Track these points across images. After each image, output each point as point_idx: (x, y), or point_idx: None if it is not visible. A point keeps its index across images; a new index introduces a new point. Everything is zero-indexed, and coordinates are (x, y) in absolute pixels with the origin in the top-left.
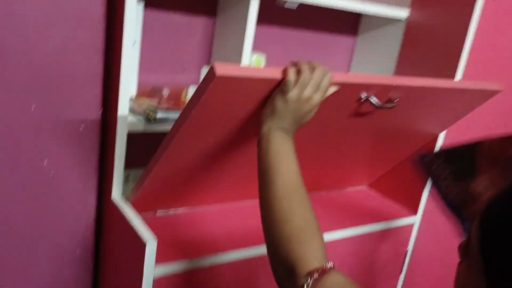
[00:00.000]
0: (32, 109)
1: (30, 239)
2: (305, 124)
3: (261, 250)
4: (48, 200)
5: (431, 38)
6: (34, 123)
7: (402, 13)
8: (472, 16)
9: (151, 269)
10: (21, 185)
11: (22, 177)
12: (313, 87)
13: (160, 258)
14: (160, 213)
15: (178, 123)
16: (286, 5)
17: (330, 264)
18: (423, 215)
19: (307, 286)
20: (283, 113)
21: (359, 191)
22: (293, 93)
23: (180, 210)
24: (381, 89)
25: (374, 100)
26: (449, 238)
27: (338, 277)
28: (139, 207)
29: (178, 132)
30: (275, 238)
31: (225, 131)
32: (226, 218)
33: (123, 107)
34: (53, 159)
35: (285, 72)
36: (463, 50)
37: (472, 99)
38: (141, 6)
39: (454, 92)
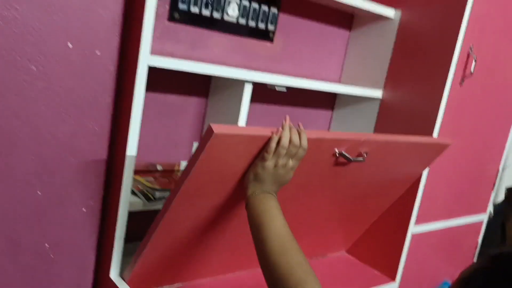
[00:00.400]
0: (38, 193)
1: None
2: (285, 184)
3: None
4: (47, 282)
5: (423, 39)
6: (38, 208)
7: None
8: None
9: None
10: (22, 269)
11: (23, 261)
12: (288, 156)
13: None
14: None
15: (176, 188)
16: (277, 89)
17: None
18: (401, 281)
19: None
20: (263, 177)
21: (339, 256)
22: (270, 162)
23: (176, 286)
24: (351, 145)
25: (346, 155)
26: None
27: None
28: (135, 285)
29: (175, 198)
30: (277, 284)
31: (220, 193)
32: None
33: (126, 193)
34: (54, 242)
35: (273, 134)
36: (455, 49)
37: (428, 152)
38: None
39: (412, 145)
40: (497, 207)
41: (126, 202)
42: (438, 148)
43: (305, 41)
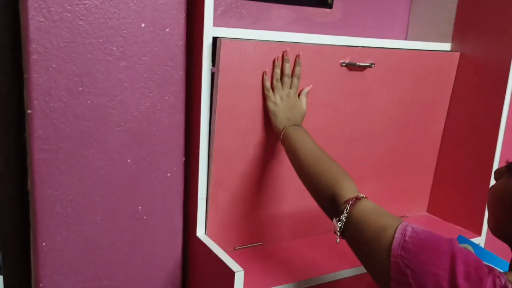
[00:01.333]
0: (128, 161)
1: (126, 279)
2: (303, 113)
3: (338, 275)
4: (142, 242)
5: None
6: (130, 174)
7: None
8: None
9: None
10: (120, 229)
11: (121, 222)
12: (287, 87)
13: (247, 287)
14: (238, 247)
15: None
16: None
17: (362, 195)
18: (487, 234)
19: (346, 209)
20: (279, 112)
21: (421, 216)
22: (274, 98)
23: (257, 244)
24: (353, 52)
25: (352, 62)
26: None
27: (369, 203)
28: (221, 242)
29: (216, 117)
30: (318, 187)
31: (255, 117)
32: (301, 249)
33: (204, 156)
34: (146, 205)
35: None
36: None
37: (439, 64)
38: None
39: (414, 54)
40: None
41: (205, 165)
42: (447, 59)
43: (365, 4)
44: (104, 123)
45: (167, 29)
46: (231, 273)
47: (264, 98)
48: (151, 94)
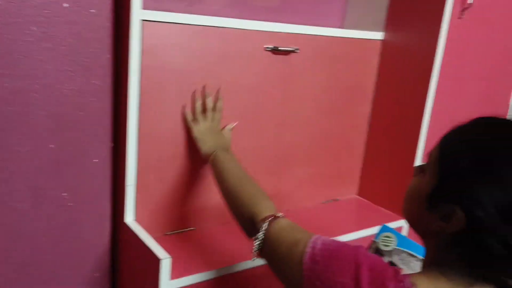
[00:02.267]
0: (51, 147)
1: (53, 266)
2: (229, 145)
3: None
4: (68, 229)
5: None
6: (54, 158)
7: None
8: None
9: (166, 285)
10: (45, 217)
11: (46, 209)
12: (209, 119)
13: (174, 273)
14: (168, 233)
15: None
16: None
17: (280, 214)
18: None
19: (264, 227)
20: (206, 139)
21: (351, 199)
22: (197, 127)
23: (189, 229)
24: (278, 38)
25: (277, 47)
26: None
27: (285, 220)
28: (150, 228)
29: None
30: (238, 207)
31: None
32: (232, 235)
33: (132, 141)
34: (72, 191)
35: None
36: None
37: (362, 50)
38: None
39: (336, 40)
40: None
41: (134, 151)
42: (370, 46)
43: None
44: (27, 107)
45: (92, 10)
46: (157, 260)
47: (187, 128)
48: (76, 78)
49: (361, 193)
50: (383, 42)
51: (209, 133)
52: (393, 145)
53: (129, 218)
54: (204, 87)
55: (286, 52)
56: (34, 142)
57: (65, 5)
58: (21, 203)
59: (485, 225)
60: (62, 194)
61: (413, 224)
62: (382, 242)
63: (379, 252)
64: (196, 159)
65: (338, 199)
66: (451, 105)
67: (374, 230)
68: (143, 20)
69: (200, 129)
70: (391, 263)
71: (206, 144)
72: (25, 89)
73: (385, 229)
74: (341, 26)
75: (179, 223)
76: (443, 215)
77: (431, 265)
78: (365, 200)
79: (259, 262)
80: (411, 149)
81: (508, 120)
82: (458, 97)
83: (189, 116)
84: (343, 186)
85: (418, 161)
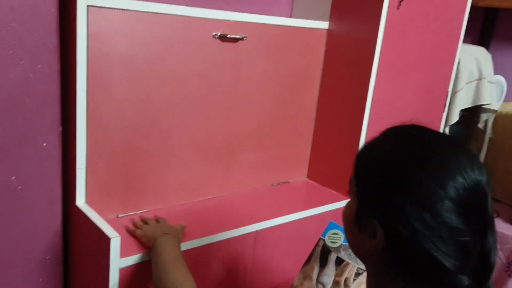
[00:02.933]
0: None
1: (3, 250)
2: (178, 235)
3: (211, 239)
4: (18, 213)
5: None
6: (1, 144)
7: None
8: None
9: (116, 262)
10: None
11: None
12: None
13: (123, 252)
14: (121, 215)
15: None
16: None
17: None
18: None
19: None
20: (148, 231)
21: (300, 181)
22: (139, 230)
23: (141, 212)
24: (226, 25)
25: (224, 34)
26: None
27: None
28: (101, 210)
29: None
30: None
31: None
32: (182, 215)
33: (82, 125)
34: (21, 175)
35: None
36: None
37: (307, 39)
38: None
39: (281, 29)
40: (454, 129)
41: (83, 134)
42: (314, 35)
43: None
44: None
45: None
46: (107, 239)
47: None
48: (21, 62)
49: (310, 175)
50: (329, 31)
51: (153, 225)
52: (339, 129)
53: (80, 200)
54: (140, 218)
55: (235, 40)
56: None
57: None
58: None
59: (402, 236)
60: (11, 178)
61: (353, 249)
62: (329, 239)
63: (326, 248)
64: (146, 143)
65: (288, 182)
66: (392, 91)
67: (321, 209)
68: (89, 6)
69: (143, 228)
70: (339, 259)
71: (148, 234)
72: None
73: (332, 226)
74: (290, 16)
75: (131, 205)
76: (370, 232)
77: (373, 287)
78: (314, 183)
79: (204, 241)
80: (356, 133)
81: (417, 128)
82: (397, 84)
83: (132, 228)
84: (293, 169)
85: (361, 145)
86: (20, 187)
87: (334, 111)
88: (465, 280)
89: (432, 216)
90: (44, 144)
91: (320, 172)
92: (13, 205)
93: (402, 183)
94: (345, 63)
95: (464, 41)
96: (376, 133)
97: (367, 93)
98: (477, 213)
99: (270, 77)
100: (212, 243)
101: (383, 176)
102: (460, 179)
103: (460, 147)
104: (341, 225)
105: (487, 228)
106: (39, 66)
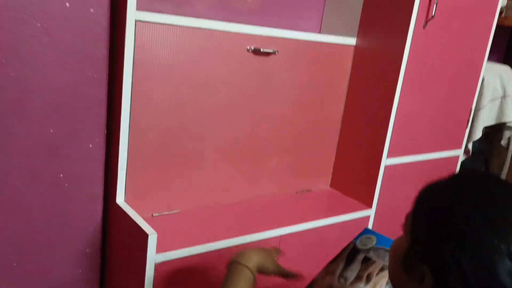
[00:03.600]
0: (51, 131)
1: (47, 242)
2: (270, 262)
3: (242, 240)
4: (63, 207)
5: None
6: (52, 144)
7: None
8: None
9: (152, 257)
10: (41, 196)
11: (42, 189)
12: None
13: (159, 248)
14: (155, 214)
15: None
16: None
17: None
18: (377, 208)
19: None
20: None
21: (323, 190)
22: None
23: (174, 212)
24: (260, 40)
25: (257, 48)
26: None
27: None
28: (139, 209)
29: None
30: None
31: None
32: (212, 217)
33: (125, 129)
34: (68, 173)
35: None
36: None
37: (335, 54)
38: None
39: (312, 44)
40: (477, 145)
41: (126, 136)
42: (342, 50)
43: None
44: (26, 93)
45: (91, 10)
46: (145, 236)
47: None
48: (73, 69)
49: (333, 185)
50: (356, 47)
51: (257, 251)
52: (363, 141)
53: (120, 199)
54: None
55: (266, 54)
56: (32, 126)
57: (67, 4)
58: (17, 180)
59: (451, 285)
60: (59, 175)
61: (394, 285)
62: (361, 242)
63: (356, 249)
64: (179, 147)
65: (311, 190)
66: (415, 106)
67: (343, 217)
68: (137, 20)
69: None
70: (366, 258)
71: (239, 258)
72: (26, 78)
73: (366, 231)
74: (319, 31)
75: (164, 205)
76: (417, 276)
77: None
78: (337, 191)
79: (227, 243)
80: (379, 144)
81: (485, 177)
82: (421, 99)
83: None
84: (317, 178)
85: (385, 156)
86: (66, 184)
87: (358, 123)
88: None
89: (490, 275)
90: (90, 146)
91: (343, 181)
92: (59, 200)
93: (461, 234)
94: (370, 78)
95: (489, 59)
96: (399, 147)
97: (391, 107)
98: None
99: (298, 89)
100: (235, 246)
101: (442, 222)
102: None
103: None
104: (376, 232)
105: None
106: (89, 73)
